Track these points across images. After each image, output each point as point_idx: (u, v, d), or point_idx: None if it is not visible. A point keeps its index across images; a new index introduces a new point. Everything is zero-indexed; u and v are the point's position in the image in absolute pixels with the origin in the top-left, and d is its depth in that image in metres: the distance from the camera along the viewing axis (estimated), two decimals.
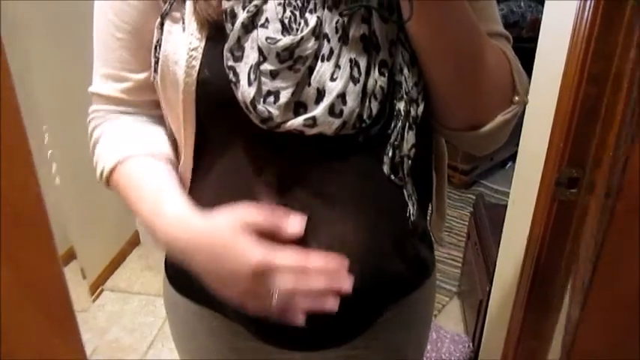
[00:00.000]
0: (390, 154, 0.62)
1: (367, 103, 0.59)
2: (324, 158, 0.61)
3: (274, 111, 0.57)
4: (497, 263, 1.53)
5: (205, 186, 0.67)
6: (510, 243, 1.47)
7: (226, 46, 0.57)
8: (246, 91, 0.57)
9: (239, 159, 0.63)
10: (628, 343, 0.85)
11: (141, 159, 0.68)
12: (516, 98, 0.64)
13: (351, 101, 0.58)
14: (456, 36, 0.57)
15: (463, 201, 2.84)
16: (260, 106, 0.57)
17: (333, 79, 0.58)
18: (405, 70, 0.60)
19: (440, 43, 0.57)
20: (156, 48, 0.63)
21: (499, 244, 1.53)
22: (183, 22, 0.60)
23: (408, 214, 0.66)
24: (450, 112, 0.64)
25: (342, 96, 0.58)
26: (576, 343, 0.94)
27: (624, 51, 0.90)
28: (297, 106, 0.58)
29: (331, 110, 0.58)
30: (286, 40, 0.56)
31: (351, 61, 0.58)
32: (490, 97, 0.63)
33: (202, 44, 0.59)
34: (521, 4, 4.06)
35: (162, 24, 0.62)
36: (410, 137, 0.62)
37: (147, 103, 0.70)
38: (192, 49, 0.59)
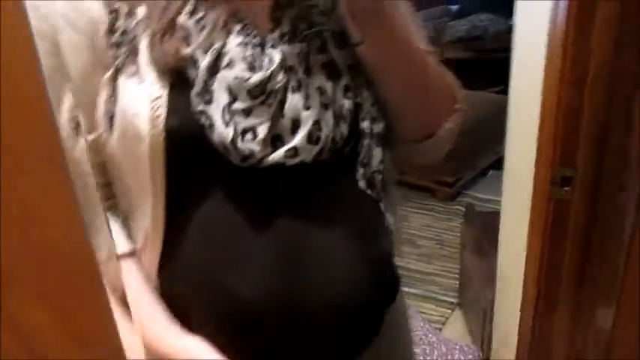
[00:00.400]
0: (362, 171, 0.66)
1: (338, 127, 0.62)
2: (301, 185, 0.64)
3: (255, 147, 0.59)
4: (497, 270, 1.56)
5: (184, 238, 0.65)
6: (508, 248, 1.50)
7: (194, 91, 0.58)
8: (223, 132, 0.58)
9: (218, 203, 0.63)
10: None
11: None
12: (457, 105, 0.71)
13: (325, 127, 0.61)
14: (401, 52, 0.63)
15: (450, 212, 2.88)
16: (240, 145, 0.58)
17: (306, 108, 0.61)
18: (364, 92, 0.64)
19: (388, 60, 0.63)
20: (107, 104, 0.60)
21: (496, 250, 1.56)
22: (138, 75, 0.59)
23: (387, 226, 0.69)
24: (406, 123, 0.69)
25: (317, 123, 0.61)
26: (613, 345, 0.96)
27: (600, 51, 0.95)
28: (274, 139, 0.60)
29: (309, 138, 0.60)
30: (257, 77, 0.59)
31: (319, 89, 0.61)
32: (437, 104, 0.70)
33: (165, 92, 0.59)
34: (482, 17, 4.21)
35: (114, 79, 0.60)
36: (377, 153, 0.66)
37: (95, 167, 0.65)
38: (155, 99, 0.58)
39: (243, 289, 0.63)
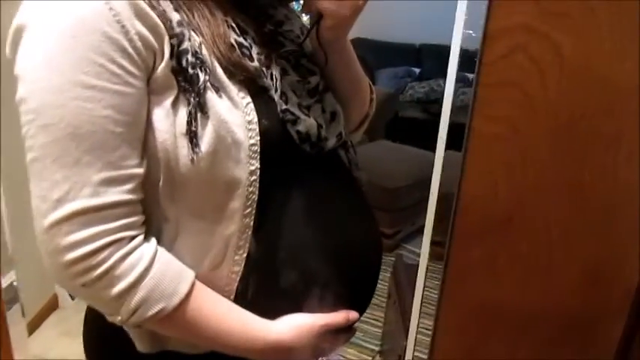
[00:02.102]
0: (352, 152, 0.84)
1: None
2: (335, 167, 0.81)
3: (324, 134, 0.74)
4: (410, 319, 1.62)
5: (280, 222, 0.71)
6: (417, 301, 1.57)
7: (277, 94, 0.69)
8: (309, 124, 0.72)
9: (297, 186, 0.73)
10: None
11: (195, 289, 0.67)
12: (373, 96, 0.92)
13: (344, 117, 0.81)
14: (352, 64, 0.83)
15: (385, 264, 2.93)
16: (322, 133, 0.73)
17: (336, 103, 0.78)
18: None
19: (345, 72, 0.82)
20: (190, 123, 0.61)
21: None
22: (222, 89, 0.63)
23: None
24: (352, 114, 0.87)
25: (342, 114, 0.80)
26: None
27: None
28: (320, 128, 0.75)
29: (343, 126, 0.80)
30: (315, 80, 0.75)
31: (332, 90, 0.80)
32: (365, 95, 0.89)
33: (249, 100, 0.65)
34: (440, 82, 4.45)
35: (199, 96, 0.61)
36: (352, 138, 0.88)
37: (140, 202, 0.64)
38: (245, 106, 0.64)
39: (337, 244, 0.75)
